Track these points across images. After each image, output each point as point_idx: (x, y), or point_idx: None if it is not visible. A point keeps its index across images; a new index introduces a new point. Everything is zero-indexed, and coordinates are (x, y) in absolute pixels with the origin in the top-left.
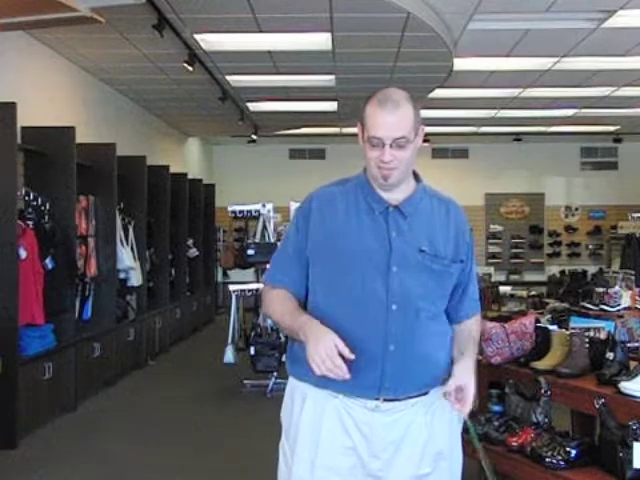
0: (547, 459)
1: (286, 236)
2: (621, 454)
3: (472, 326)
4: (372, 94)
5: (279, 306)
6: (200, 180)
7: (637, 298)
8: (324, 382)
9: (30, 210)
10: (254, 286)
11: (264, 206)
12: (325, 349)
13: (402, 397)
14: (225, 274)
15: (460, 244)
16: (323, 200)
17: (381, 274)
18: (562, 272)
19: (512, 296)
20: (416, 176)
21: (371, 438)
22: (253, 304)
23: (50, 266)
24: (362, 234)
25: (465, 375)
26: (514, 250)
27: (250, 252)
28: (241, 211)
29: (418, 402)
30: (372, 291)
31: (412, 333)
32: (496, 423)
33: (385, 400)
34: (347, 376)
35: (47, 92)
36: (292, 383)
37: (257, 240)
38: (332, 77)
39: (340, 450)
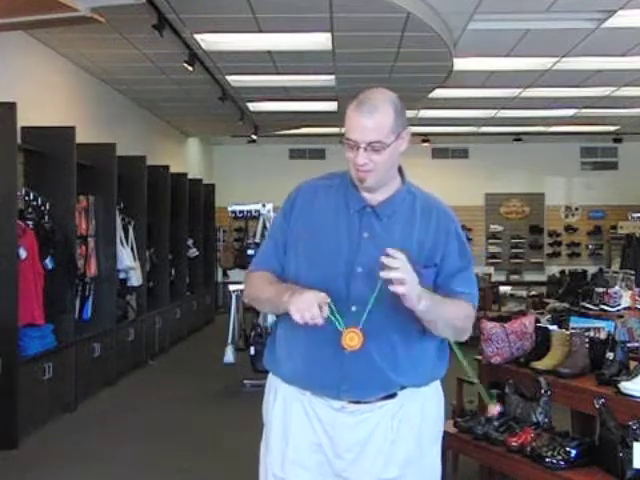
0: (547, 459)
1: (273, 224)
2: (621, 454)
3: (453, 297)
4: (357, 94)
5: (259, 280)
6: (200, 180)
7: (637, 298)
8: (290, 378)
9: (30, 210)
10: None
11: (264, 206)
12: (310, 298)
13: (364, 400)
14: (225, 274)
15: (437, 247)
16: (307, 193)
17: (345, 274)
18: (562, 272)
19: (512, 296)
20: (402, 176)
21: (335, 438)
22: None
23: (50, 266)
24: (335, 232)
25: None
26: (514, 250)
27: (250, 252)
28: (241, 211)
29: (385, 405)
30: (334, 290)
31: (371, 337)
32: (496, 423)
33: (351, 402)
34: (320, 321)
35: (47, 92)
36: (269, 377)
37: (257, 240)
38: (332, 77)
39: (308, 446)
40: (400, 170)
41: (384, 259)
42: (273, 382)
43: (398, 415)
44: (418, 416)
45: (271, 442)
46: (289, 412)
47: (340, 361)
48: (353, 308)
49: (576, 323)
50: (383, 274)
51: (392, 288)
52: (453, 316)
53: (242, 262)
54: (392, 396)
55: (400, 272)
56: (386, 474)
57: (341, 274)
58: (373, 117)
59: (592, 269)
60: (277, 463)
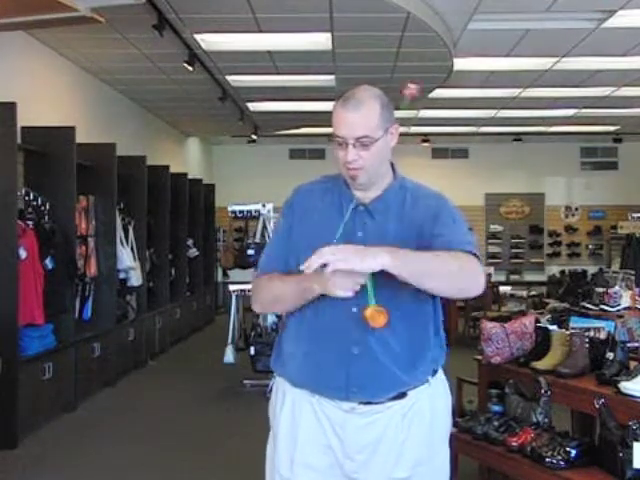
0: (547, 459)
1: (276, 229)
2: (621, 454)
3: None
4: (343, 92)
5: (269, 281)
6: (200, 180)
7: (637, 298)
8: (297, 381)
9: (30, 210)
10: None
11: (264, 206)
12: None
13: (375, 401)
14: (225, 274)
15: (424, 229)
16: (303, 197)
17: None
18: (562, 272)
19: (512, 296)
20: (394, 172)
21: (345, 440)
22: None
23: (50, 266)
24: (331, 233)
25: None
26: (514, 250)
27: (250, 252)
28: (241, 211)
29: (395, 405)
30: None
31: (376, 336)
32: (496, 423)
33: (361, 403)
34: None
35: (47, 92)
36: (276, 379)
37: (257, 240)
38: (332, 77)
39: (317, 448)
40: (392, 166)
41: (306, 266)
42: (280, 384)
43: (408, 415)
44: (428, 415)
45: (279, 444)
46: (298, 414)
47: (347, 362)
48: (354, 309)
49: (576, 323)
50: (305, 268)
51: (331, 269)
52: (440, 267)
53: (242, 262)
54: (402, 396)
55: (321, 257)
56: (396, 474)
57: None
58: (359, 112)
59: (592, 269)
60: (285, 465)
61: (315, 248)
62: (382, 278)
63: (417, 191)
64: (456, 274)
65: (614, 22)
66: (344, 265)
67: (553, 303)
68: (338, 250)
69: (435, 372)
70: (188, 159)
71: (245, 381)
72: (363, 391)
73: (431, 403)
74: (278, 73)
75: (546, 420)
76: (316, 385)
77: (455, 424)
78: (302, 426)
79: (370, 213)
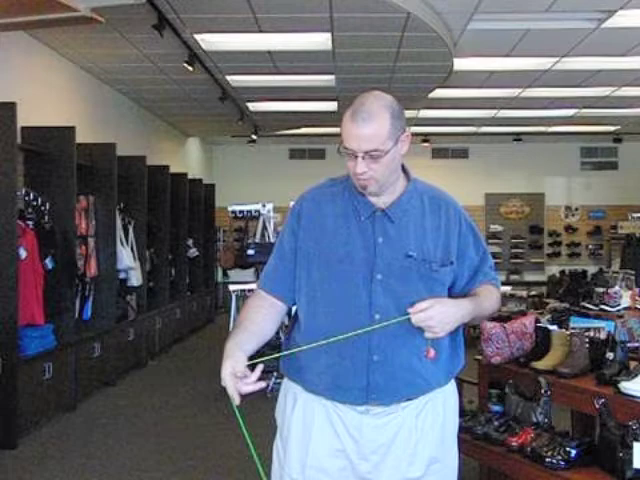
0: (547, 459)
1: (279, 239)
2: (621, 454)
3: (483, 286)
4: (353, 99)
5: (245, 313)
6: (200, 180)
7: (637, 298)
8: (313, 388)
9: (30, 210)
10: (254, 286)
11: (264, 206)
12: (224, 375)
13: (391, 403)
14: (225, 274)
15: (451, 243)
16: (311, 204)
17: (365, 282)
18: (562, 272)
19: (512, 296)
20: (407, 173)
21: (360, 441)
22: None
23: (50, 266)
24: (349, 240)
25: (433, 301)
26: (514, 250)
27: (250, 252)
28: (241, 211)
29: (409, 405)
30: (355, 299)
31: (397, 343)
32: (496, 423)
33: (375, 404)
34: (236, 402)
35: (47, 92)
36: (285, 382)
37: (257, 240)
38: (332, 77)
39: (330, 452)
40: (404, 168)
41: (414, 320)
42: (291, 387)
43: (422, 414)
44: (440, 414)
45: (290, 447)
46: (310, 418)
47: (367, 370)
48: (377, 316)
49: (576, 323)
50: (428, 335)
51: (429, 336)
52: (489, 308)
53: (242, 262)
54: (414, 397)
55: (436, 326)
56: (410, 473)
57: (361, 283)
58: (369, 126)
59: (592, 269)
60: (296, 468)
61: (331, 256)
62: (401, 288)
63: (433, 196)
64: (494, 310)
65: (614, 22)
66: (442, 331)
67: (553, 303)
68: (437, 316)
69: (450, 378)
70: (188, 159)
71: None
72: (382, 397)
73: (443, 402)
74: (278, 73)
75: (546, 420)
76: (334, 393)
77: None
78: (314, 430)
79: (389, 218)
